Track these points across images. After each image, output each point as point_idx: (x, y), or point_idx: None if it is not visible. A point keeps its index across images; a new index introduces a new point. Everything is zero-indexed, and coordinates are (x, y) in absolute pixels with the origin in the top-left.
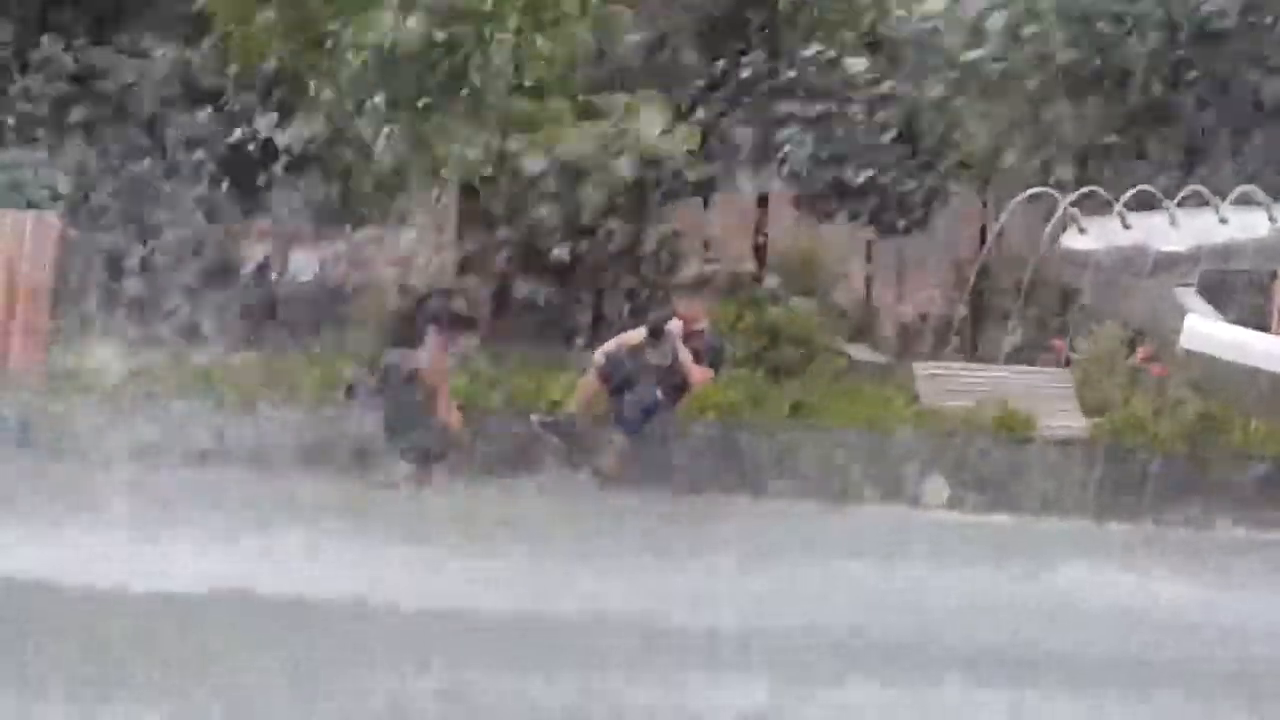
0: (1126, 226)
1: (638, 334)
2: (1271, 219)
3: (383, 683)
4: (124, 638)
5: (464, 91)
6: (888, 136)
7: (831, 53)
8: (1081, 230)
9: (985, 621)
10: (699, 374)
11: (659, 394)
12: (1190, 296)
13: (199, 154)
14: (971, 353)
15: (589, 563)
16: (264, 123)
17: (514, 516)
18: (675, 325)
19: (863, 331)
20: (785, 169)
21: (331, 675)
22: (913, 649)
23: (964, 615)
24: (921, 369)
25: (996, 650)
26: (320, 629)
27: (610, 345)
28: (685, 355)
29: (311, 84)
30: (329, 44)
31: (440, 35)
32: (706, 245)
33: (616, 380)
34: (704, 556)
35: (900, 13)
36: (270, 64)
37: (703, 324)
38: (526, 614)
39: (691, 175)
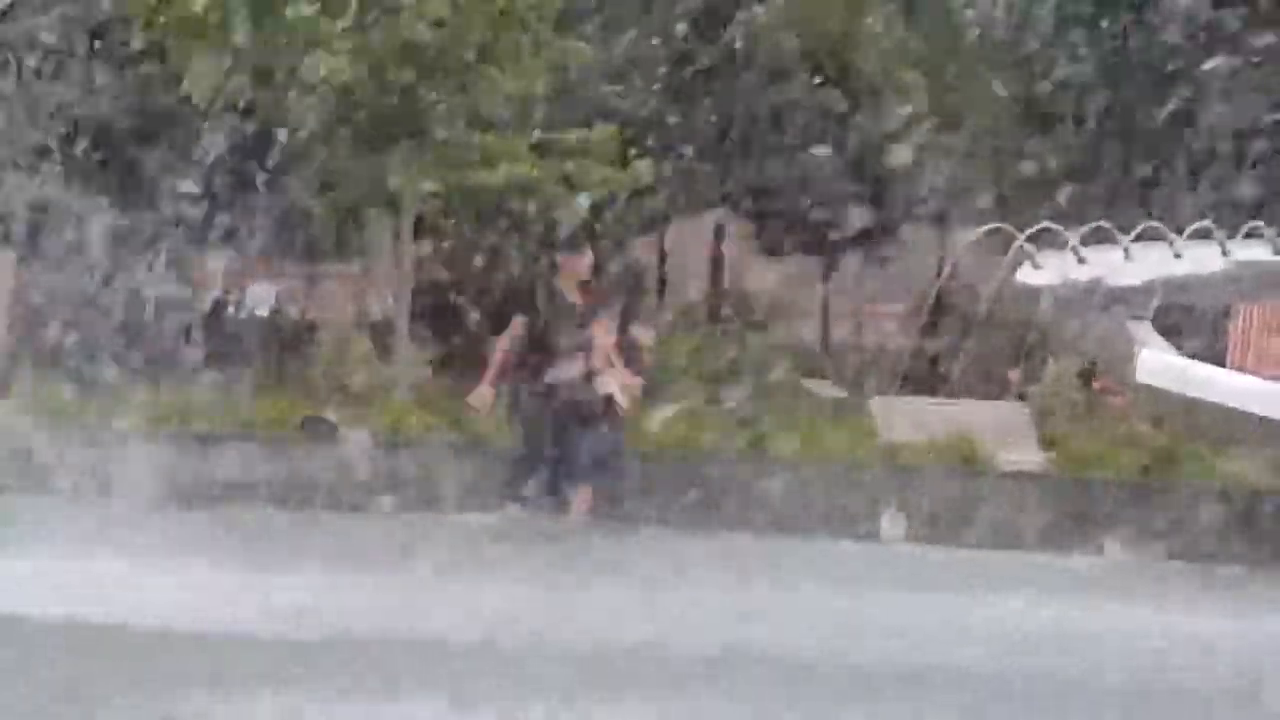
0: (1081, 261)
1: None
2: (1225, 253)
3: None
4: None
5: (418, 126)
6: (844, 170)
7: (791, 90)
8: (1036, 265)
9: (929, 647)
10: (632, 381)
11: (609, 431)
12: (1145, 330)
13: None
14: (928, 386)
15: (523, 587)
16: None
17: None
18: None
19: (820, 365)
20: (743, 202)
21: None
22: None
23: (903, 641)
24: (879, 402)
25: (930, 673)
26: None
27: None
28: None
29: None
30: (281, 80)
31: (394, 73)
32: (662, 281)
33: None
34: (655, 587)
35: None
36: (223, 99)
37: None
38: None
39: (647, 210)
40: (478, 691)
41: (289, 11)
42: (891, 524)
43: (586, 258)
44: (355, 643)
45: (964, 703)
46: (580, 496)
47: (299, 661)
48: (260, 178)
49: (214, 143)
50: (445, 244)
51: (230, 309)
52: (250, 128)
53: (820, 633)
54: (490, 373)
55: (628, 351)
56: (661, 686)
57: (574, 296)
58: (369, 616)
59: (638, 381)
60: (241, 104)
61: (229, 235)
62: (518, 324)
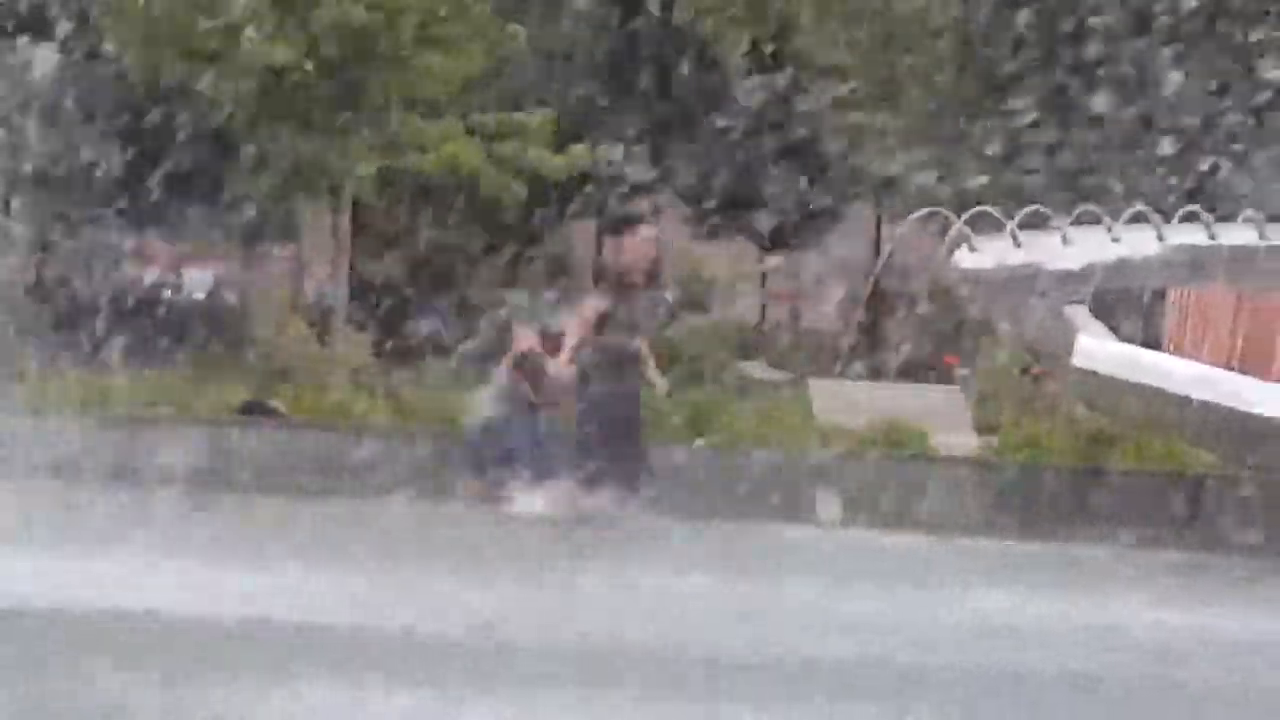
0: (1018, 245)
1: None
2: (1161, 238)
3: None
4: None
5: (355, 110)
6: (783, 153)
7: (727, 71)
8: (973, 249)
9: (850, 637)
10: (563, 369)
11: (544, 419)
12: (1082, 314)
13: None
14: (866, 369)
15: (435, 575)
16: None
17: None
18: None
19: (758, 348)
20: (680, 186)
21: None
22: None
23: (820, 630)
24: (816, 385)
25: (848, 662)
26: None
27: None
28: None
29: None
30: (218, 62)
31: (330, 54)
32: (598, 260)
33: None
34: (577, 572)
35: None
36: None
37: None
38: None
39: (584, 193)
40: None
41: None
42: (826, 508)
43: (650, 236)
44: (252, 626)
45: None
46: (523, 484)
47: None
48: (198, 160)
49: (156, 124)
50: (382, 227)
51: (168, 292)
52: (189, 109)
53: (721, 620)
54: (565, 354)
55: (556, 339)
56: (527, 678)
57: (639, 277)
58: (261, 601)
59: (570, 369)
60: (179, 85)
61: (166, 219)
62: (589, 307)
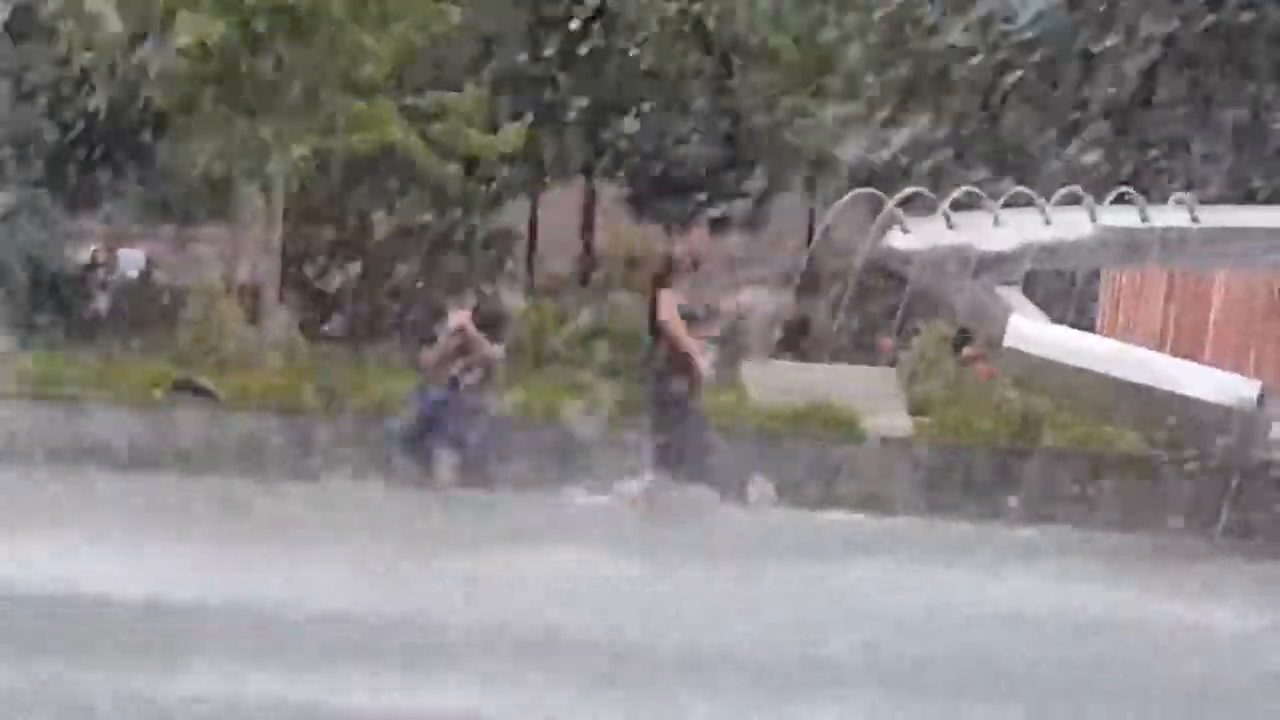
0: (951, 226)
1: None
2: (1094, 219)
3: None
4: None
5: (288, 90)
6: (718, 134)
7: (664, 55)
8: (906, 230)
9: (762, 621)
10: (494, 349)
11: (476, 399)
12: (1015, 296)
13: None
14: (799, 351)
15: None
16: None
17: (335, 515)
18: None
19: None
20: (614, 167)
21: None
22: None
23: (729, 614)
24: (750, 368)
25: (763, 650)
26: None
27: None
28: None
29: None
30: (150, 41)
31: (263, 34)
32: (532, 245)
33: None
34: (503, 550)
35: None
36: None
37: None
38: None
39: (518, 173)
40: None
41: None
42: (758, 489)
43: (703, 230)
44: (156, 606)
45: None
46: (445, 463)
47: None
48: (131, 141)
49: (87, 103)
50: (316, 207)
51: (101, 273)
52: (122, 88)
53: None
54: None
55: (488, 321)
56: (429, 656)
57: (689, 268)
58: (168, 581)
59: (498, 350)
60: (111, 63)
61: (99, 199)
62: (666, 295)
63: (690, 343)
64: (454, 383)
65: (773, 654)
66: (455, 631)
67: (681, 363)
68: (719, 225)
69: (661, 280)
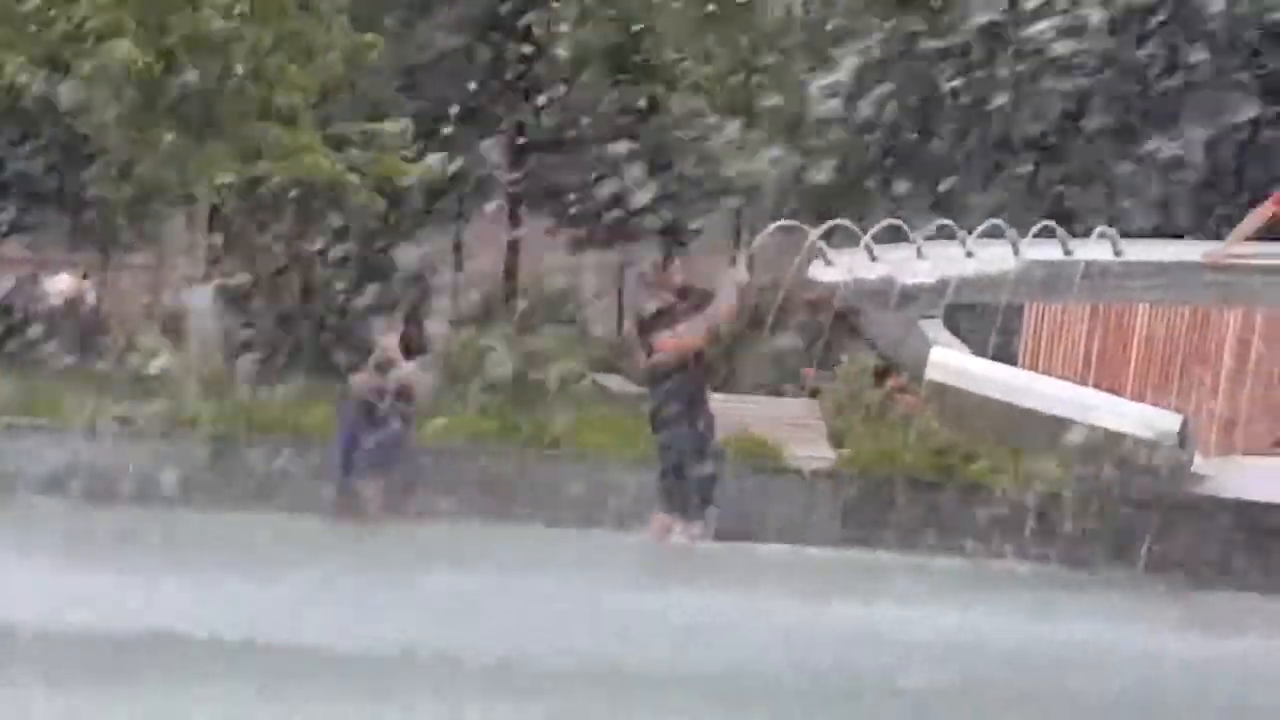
0: (874, 259)
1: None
2: (1016, 253)
3: None
4: None
5: (211, 117)
6: (642, 165)
7: (587, 82)
8: (829, 262)
9: (673, 644)
10: (419, 375)
11: (400, 426)
12: (936, 328)
13: None
14: (723, 382)
15: (294, 586)
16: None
17: (257, 544)
18: (389, 341)
19: (614, 360)
20: (539, 196)
21: None
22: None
23: (647, 638)
24: None
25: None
26: None
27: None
28: (405, 363)
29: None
30: (71, 70)
31: (188, 62)
32: (457, 273)
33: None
34: (428, 579)
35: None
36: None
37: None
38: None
39: (441, 203)
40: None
41: (81, 6)
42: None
43: (675, 264)
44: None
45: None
46: (368, 491)
47: None
48: (56, 168)
49: (13, 131)
50: (239, 234)
51: (25, 299)
52: (47, 117)
53: (535, 627)
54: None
55: (411, 347)
56: (337, 682)
57: (668, 299)
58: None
59: (424, 377)
60: (37, 92)
61: (23, 226)
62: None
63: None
64: (377, 409)
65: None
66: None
67: (693, 397)
68: (641, 254)
69: (647, 328)
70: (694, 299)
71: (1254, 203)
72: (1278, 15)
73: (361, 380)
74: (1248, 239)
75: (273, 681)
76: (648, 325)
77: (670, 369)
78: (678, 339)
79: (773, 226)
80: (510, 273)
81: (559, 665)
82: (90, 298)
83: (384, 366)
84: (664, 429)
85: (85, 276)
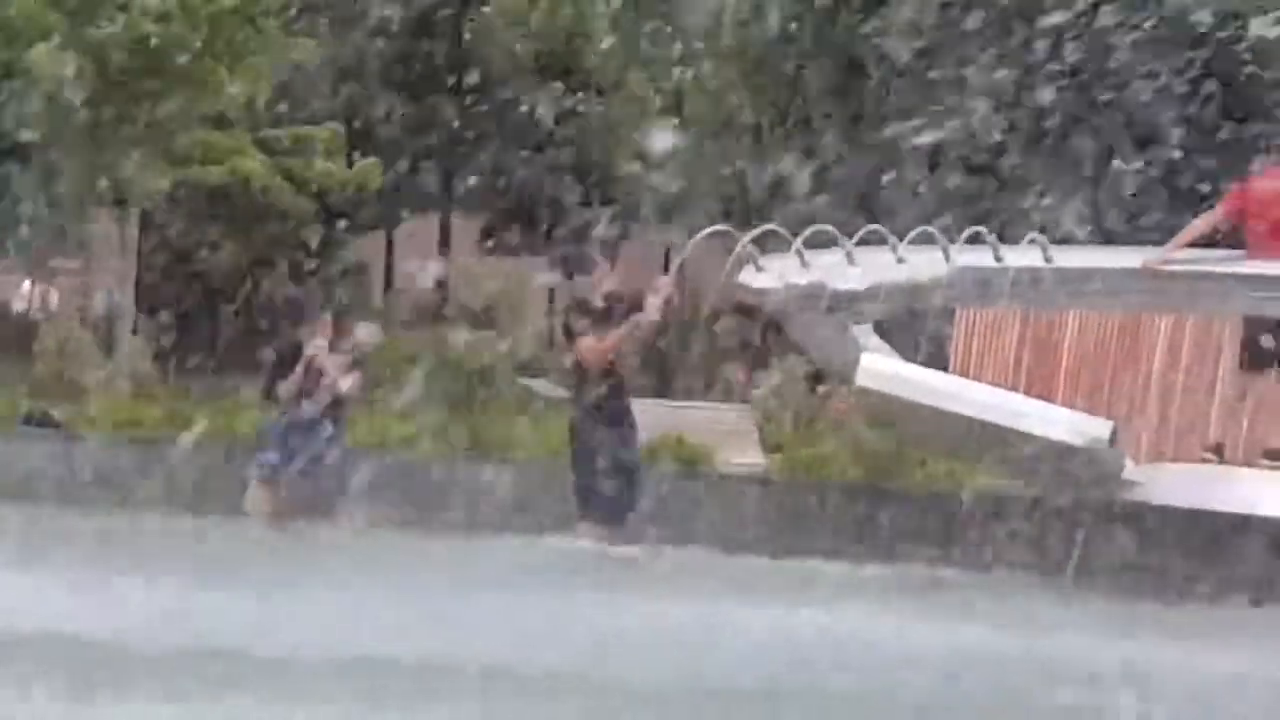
0: (805, 265)
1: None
2: (947, 258)
3: None
4: None
5: (144, 122)
6: (571, 170)
7: (517, 87)
8: (759, 268)
9: (602, 651)
10: (349, 377)
11: (330, 429)
12: (867, 334)
13: None
14: (655, 387)
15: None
16: None
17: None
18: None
19: (544, 364)
20: (469, 201)
21: None
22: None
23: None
24: None
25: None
26: None
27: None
28: (335, 366)
29: None
30: (4, 72)
31: (120, 67)
32: (388, 278)
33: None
34: (347, 588)
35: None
36: None
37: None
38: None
39: (373, 207)
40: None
41: (7, 7)
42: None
43: (604, 270)
44: None
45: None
46: (285, 494)
47: None
48: None
49: None
50: (171, 239)
51: None
52: None
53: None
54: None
55: (346, 352)
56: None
57: (600, 301)
58: None
59: (355, 380)
60: None
61: None
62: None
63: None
64: (307, 413)
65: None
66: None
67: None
68: (574, 263)
69: (573, 333)
70: (622, 305)
71: (1195, 213)
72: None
73: (290, 385)
74: (1187, 246)
75: (214, 689)
76: (574, 330)
77: (590, 373)
78: (598, 343)
79: (704, 232)
80: (441, 277)
81: (481, 669)
82: (19, 301)
83: (313, 372)
84: (581, 434)
85: (13, 280)
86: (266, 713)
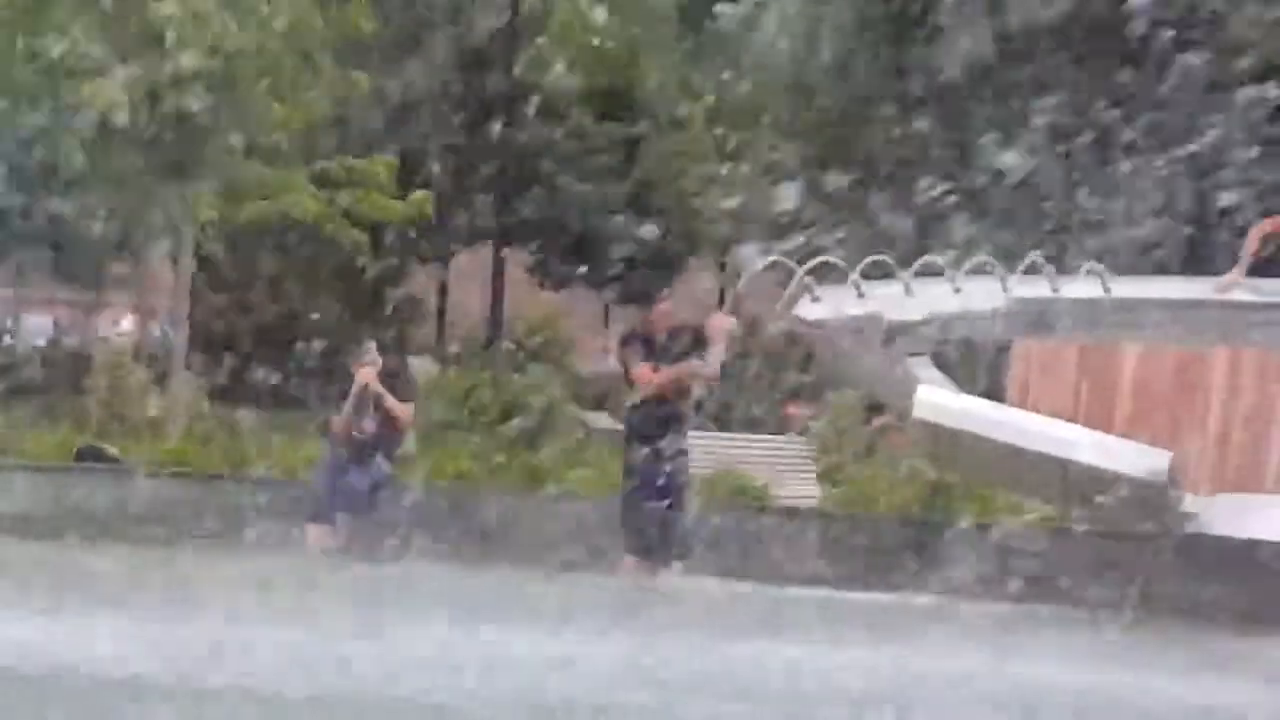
0: (861, 295)
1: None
2: (1005, 289)
3: None
4: None
5: (196, 157)
6: (628, 202)
7: (572, 124)
8: (816, 299)
9: (650, 690)
10: (402, 410)
11: (384, 464)
12: (923, 365)
13: None
14: (709, 419)
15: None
16: None
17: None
18: (366, 374)
19: (602, 399)
20: (524, 234)
21: None
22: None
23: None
24: None
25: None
26: None
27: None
28: (388, 398)
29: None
30: (58, 109)
31: (171, 102)
32: (441, 311)
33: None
34: (410, 623)
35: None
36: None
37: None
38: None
39: (426, 240)
40: None
41: (61, 44)
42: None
43: (665, 302)
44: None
45: None
46: (340, 529)
47: None
48: (37, 206)
49: None
50: (224, 273)
51: (5, 339)
52: (27, 155)
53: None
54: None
55: (394, 382)
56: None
57: (661, 332)
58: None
59: (407, 412)
60: (15, 130)
61: (4, 264)
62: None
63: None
64: (359, 446)
65: None
66: None
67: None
68: (631, 295)
69: (625, 357)
70: (685, 336)
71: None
72: None
73: (341, 422)
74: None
75: None
76: (628, 362)
77: (646, 404)
78: (653, 374)
79: (761, 264)
80: (495, 310)
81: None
82: (73, 336)
83: (364, 405)
84: (630, 467)
85: (66, 315)
86: None
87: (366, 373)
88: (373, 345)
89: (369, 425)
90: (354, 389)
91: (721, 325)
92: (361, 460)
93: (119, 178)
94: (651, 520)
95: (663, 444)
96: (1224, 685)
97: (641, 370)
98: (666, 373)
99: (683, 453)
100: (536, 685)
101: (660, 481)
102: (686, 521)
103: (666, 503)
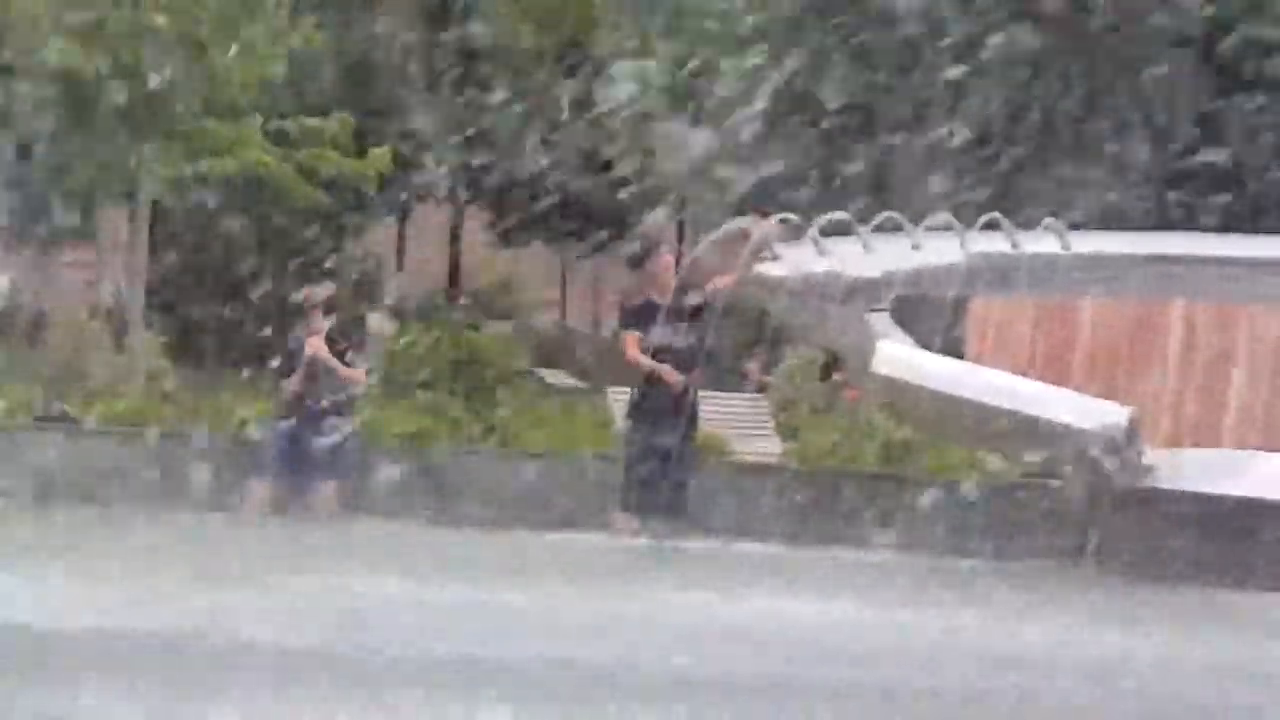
0: (820, 253)
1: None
2: (963, 246)
3: None
4: None
5: (153, 113)
6: (585, 160)
7: (529, 80)
8: (775, 257)
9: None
10: (354, 374)
11: (342, 423)
12: (883, 321)
13: None
14: None
15: (227, 584)
16: None
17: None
18: (314, 343)
19: (558, 355)
20: (481, 192)
21: None
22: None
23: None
24: (616, 394)
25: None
26: None
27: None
28: (339, 367)
29: None
30: (13, 65)
31: (129, 58)
32: (400, 268)
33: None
34: (365, 577)
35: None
36: None
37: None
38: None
39: (383, 197)
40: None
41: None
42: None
43: (665, 256)
44: None
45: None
46: (320, 493)
47: None
48: None
49: None
50: (181, 231)
51: None
52: None
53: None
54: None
55: (350, 343)
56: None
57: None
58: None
59: (361, 373)
60: None
61: None
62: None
63: (666, 373)
64: (313, 414)
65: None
66: None
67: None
68: (586, 251)
69: (626, 321)
70: (693, 301)
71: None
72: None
73: (292, 382)
74: None
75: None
76: (633, 319)
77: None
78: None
79: (725, 226)
80: (453, 268)
81: (517, 667)
82: (29, 295)
83: (315, 373)
84: (641, 424)
85: (22, 273)
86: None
87: (315, 342)
88: (319, 314)
89: (321, 392)
90: (304, 359)
91: (721, 288)
92: (317, 427)
93: (76, 134)
94: (650, 480)
95: (658, 404)
96: (1182, 638)
97: (631, 354)
98: (657, 369)
99: (683, 413)
100: (484, 640)
101: (670, 442)
102: (686, 483)
103: (674, 465)
